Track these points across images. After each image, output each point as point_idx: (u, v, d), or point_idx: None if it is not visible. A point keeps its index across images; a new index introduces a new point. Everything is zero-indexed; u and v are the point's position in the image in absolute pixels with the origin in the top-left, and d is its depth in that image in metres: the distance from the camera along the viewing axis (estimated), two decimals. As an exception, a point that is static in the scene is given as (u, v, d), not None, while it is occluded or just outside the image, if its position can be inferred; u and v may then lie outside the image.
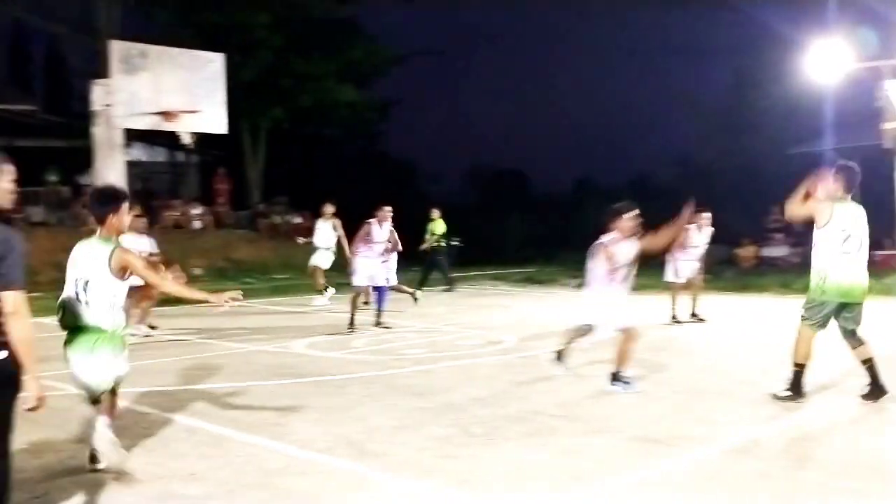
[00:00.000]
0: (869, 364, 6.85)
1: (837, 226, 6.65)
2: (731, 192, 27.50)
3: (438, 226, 18.25)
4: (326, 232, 15.31)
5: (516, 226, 30.96)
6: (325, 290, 15.46)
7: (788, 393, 6.89)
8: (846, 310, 6.80)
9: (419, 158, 41.12)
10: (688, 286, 12.98)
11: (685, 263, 12.95)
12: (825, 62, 17.63)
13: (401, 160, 38.56)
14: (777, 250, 22.44)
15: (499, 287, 19.98)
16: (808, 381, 7.03)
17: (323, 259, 15.46)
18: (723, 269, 20.45)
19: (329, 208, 15.44)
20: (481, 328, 12.11)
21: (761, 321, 13.11)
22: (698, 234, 13.00)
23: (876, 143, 21.34)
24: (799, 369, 6.91)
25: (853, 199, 6.73)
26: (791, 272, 19.51)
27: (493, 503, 4.70)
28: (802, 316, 6.94)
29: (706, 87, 31.29)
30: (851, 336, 6.89)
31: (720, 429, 6.13)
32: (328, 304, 15.03)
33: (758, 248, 22.47)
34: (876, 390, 6.80)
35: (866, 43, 18.25)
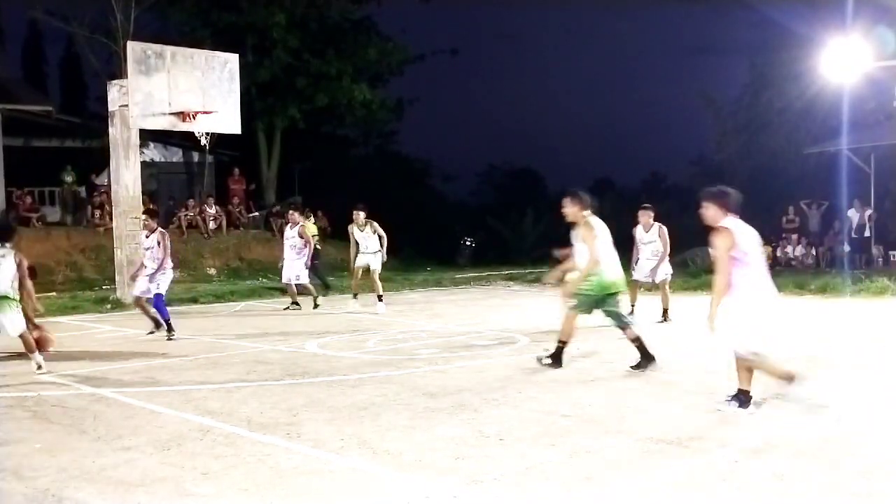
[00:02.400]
0: (638, 343, 8.43)
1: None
2: (747, 191, 27.31)
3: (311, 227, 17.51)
4: (367, 237, 14.59)
5: (531, 225, 30.92)
6: (355, 296, 14.87)
7: (549, 361, 8.49)
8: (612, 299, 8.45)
9: (434, 158, 41.07)
10: (654, 286, 13.05)
11: (644, 262, 12.95)
12: (842, 61, 17.50)
13: (416, 159, 38.56)
14: (792, 250, 22.32)
15: (512, 287, 19.96)
16: (826, 385, 6.98)
17: (375, 263, 14.68)
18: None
19: (361, 214, 14.64)
20: (494, 328, 12.10)
21: (774, 322, 13.02)
22: (644, 233, 12.92)
23: (892, 143, 21.21)
24: (562, 346, 8.55)
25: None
26: (806, 272, 19.43)
27: (506, 503, 4.70)
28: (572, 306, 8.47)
29: (723, 86, 31.18)
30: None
31: (734, 430, 6.09)
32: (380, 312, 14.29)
33: (773, 248, 22.34)
34: (644, 362, 8.35)
35: (883, 42, 18.13)
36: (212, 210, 23.88)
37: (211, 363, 9.45)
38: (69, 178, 23.38)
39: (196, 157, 27.86)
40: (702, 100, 30.55)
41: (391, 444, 5.78)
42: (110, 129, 15.99)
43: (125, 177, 15.92)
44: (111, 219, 16.90)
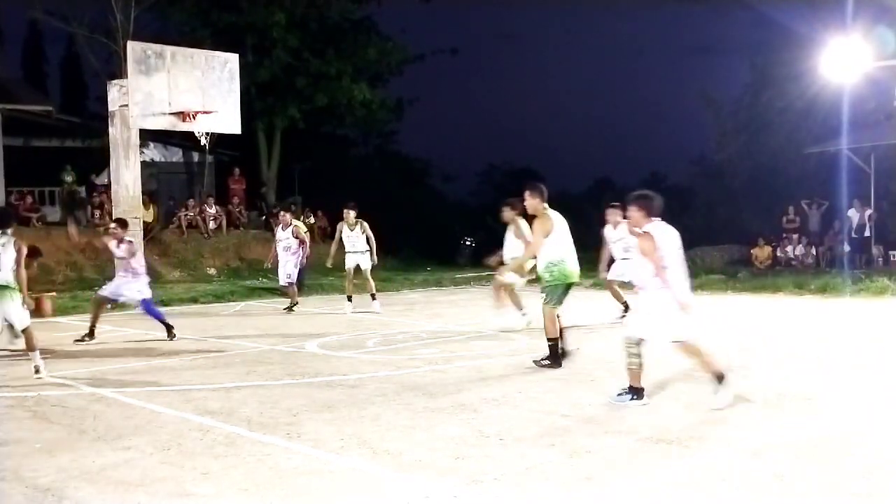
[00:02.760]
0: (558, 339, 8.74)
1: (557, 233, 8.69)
2: (747, 191, 27.35)
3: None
4: (356, 237, 14.55)
5: (531, 225, 30.90)
6: (349, 299, 14.74)
7: (547, 362, 8.62)
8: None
9: (434, 157, 41.06)
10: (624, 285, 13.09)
11: (617, 262, 12.97)
12: (842, 61, 17.50)
13: (415, 159, 38.54)
14: (793, 250, 22.32)
15: (513, 287, 19.93)
16: (826, 385, 6.98)
17: (365, 264, 14.63)
18: (737, 269, 20.37)
19: (352, 213, 14.60)
20: (494, 328, 12.09)
21: (774, 322, 13.04)
22: (613, 231, 12.93)
23: (892, 143, 21.21)
24: (553, 343, 8.69)
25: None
26: (806, 272, 19.43)
27: (507, 503, 4.69)
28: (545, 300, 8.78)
29: (723, 85, 31.10)
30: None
31: (734, 430, 6.09)
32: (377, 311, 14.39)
33: (773, 248, 22.35)
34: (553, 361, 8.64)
35: (883, 42, 18.12)
36: (212, 210, 23.88)
37: (211, 363, 9.45)
38: (69, 178, 23.37)
39: (196, 156, 27.86)
40: (702, 99, 30.53)
41: (391, 444, 5.78)
42: (110, 129, 15.98)
43: (125, 177, 15.91)
44: (111, 218, 16.89)
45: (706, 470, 5.18)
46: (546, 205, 8.84)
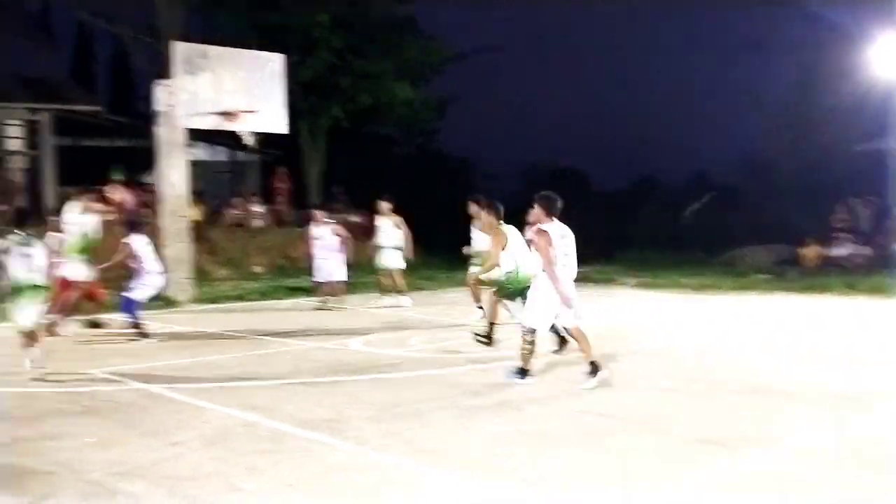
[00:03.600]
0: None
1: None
2: (795, 189, 26.93)
3: None
4: (388, 230, 14.83)
5: (574, 224, 30.72)
6: (401, 293, 14.85)
7: (485, 341, 9.44)
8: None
9: (476, 156, 40.97)
10: None
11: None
12: (892, 57, 17.15)
13: (457, 158, 38.53)
14: (842, 250, 21.89)
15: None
16: (878, 387, 6.86)
17: (392, 259, 14.86)
18: (785, 269, 20.06)
19: (386, 205, 14.96)
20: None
21: (822, 322, 12.84)
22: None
23: (946, 140, 20.71)
24: (491, 326, 9.58)
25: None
26: (856, 272, 19.06)
27: (548, 502, 4.69)
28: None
29: (770, 83, 30.50)
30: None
31: (780, 432, 6.02)
32: (404, 306, 14.59)
33: (822, 248, 21.96)
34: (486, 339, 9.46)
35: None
36: (257, 209, 24.11)
37: (256, 360, 9.56)
38: (117, 178, 23.75)
39: (241, 156, 28.15)
40: (748, 97, 30.12)
41: (434, 443, 5.81)
42: (157, 129, 16.23)
43: (172, 176, 16.15)
44: (158, 217, 17.16)
45: (752, 472, 5.13)
46: (501, 221, 9.54)
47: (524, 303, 8.80)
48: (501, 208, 9.60)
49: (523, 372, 7.75)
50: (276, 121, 16.10)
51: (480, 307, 11.91)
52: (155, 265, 11.63)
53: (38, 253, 8.69)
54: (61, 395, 7.63)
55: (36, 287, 8.68)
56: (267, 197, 25.98)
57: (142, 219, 13.15)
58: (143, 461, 5.47)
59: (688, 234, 26.80)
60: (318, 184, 28.87)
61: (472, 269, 12.30)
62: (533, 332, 7.74)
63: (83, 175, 23.70)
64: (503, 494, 4.77)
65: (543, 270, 7.55)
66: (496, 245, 9.37)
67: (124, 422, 6.59)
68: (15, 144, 25.00)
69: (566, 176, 41.48)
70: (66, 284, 11.25)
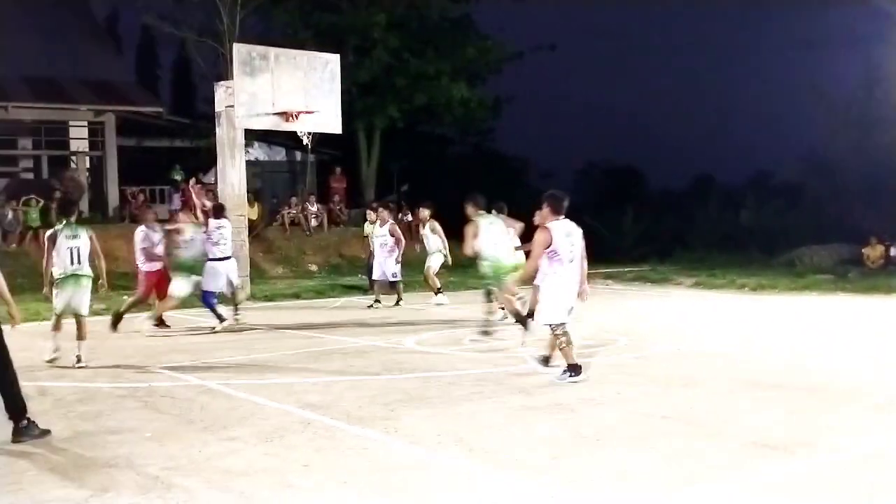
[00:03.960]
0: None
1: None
2: (859, 188, 26.27)
3: None
4: (428, 235, 15.42)
5: (630, 224, 30.42)
6: (439, 292, 15.21)
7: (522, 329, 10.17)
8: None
9: (532, 155, 40.80)
10: None
11: None
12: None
13: (513, 157, 38.41)
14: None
15: (611, 286, 19.69)
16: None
17: (432, 261, 15.39)
18: (847, 269, 19.58)
19: (425, 211, 15.58)
20: (593, 328, 11.96)
21: (884, 323, 12.49)
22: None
23: None
24: (516, 314, 10.56)
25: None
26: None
27: (602, 505, 4.64)
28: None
29: (833, 80, 29.78)
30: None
31: (842, 436, 5.87)
32: (443, 304, 14.83)
33: (887, 248, 21.38)
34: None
35: None
36: (313, 208, 24.36)
37: (312, 357, 9.65)
38: (178, 177, 24.23)
39: (298, 156, 28.48)
40: (812, 94, 29.46)
41: (487, 442, 5.79)
42: (217, 129, 16.48)
43: (231, 175, 16.39)
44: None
45: (812, 476, 5.02)
46: (481, 211, 10.84)
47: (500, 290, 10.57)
48: (483, 201, 10.96)
49: (573, 368, 7.80)
50: (333, 121, 16.22)
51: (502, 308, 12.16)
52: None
53: (83, 243, 9.04)
54: (121, 391, 7.79)
55: (87, 276, 9.13)
56: (323, 196, 26.23)
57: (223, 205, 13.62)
58: (198, 457, 5.56)
59: (747, 233, 26.35)
60: (373, 183, 29.04)
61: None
62: (559, 325, 7.87)
63: (145, 175, 24.28)
64: (555, 496, 4.73)
65: (549, 266, 7.86)
66: (469, 235, 10.55)
67: (181, 417, 6.70)
68: (81, 145, 25.67)
69: (622, 175, 41.10)
70: (152, 277, 11.59)
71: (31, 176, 25.62)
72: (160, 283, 11.77)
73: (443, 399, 7.19)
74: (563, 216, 7.98)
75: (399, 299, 15.17)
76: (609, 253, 28.58)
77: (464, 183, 28.94)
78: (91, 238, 9.21)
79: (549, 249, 7.77)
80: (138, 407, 7.14)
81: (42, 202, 20.16)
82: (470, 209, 10.74)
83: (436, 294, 15.18)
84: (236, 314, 12.44)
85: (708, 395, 7.27)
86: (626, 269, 22.26)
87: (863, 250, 21.20)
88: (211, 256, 12.00)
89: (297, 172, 29.25)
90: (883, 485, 4.82)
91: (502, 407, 6.86)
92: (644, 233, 29.78)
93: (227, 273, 12.24)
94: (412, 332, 11.48)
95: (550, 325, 7.92)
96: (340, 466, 5.31)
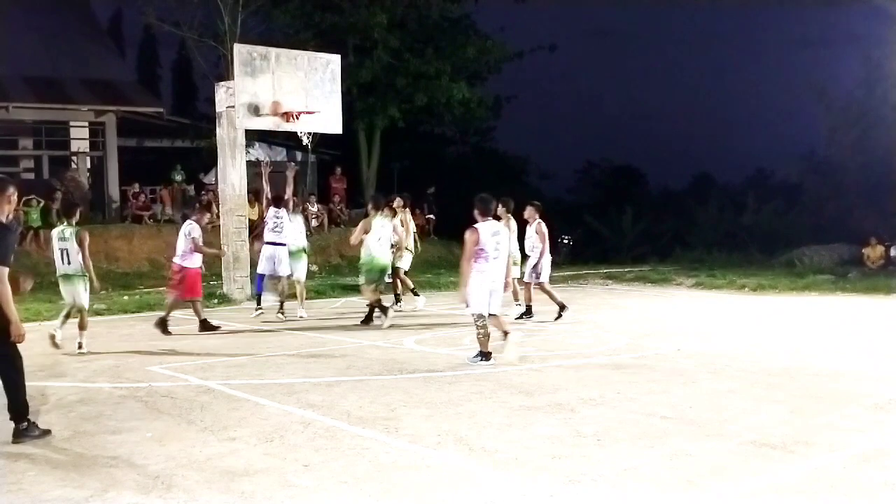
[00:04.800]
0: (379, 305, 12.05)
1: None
2: (859, 188, 26.30)
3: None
4: (397, 227, 14.16)
5: (630, 224, 30.45)
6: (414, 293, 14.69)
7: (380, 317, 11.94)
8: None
9: (531, 155, 40.84)
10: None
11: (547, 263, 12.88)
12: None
13: (513, 157, 38.44)
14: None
15: (610, 286, 19.72)
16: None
17: (405, 262, 14.57)
18: (847, 269, 19.60)
19: (399, 202, 14.39)
20: (592, 327, 11.99)
21: (885, 323, 12.51)
22: (528, 228, 12.92)
23: None
24: (373, 305, 12.04)
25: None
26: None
27: (602, 504, 4.65)
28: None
29: (833, 79, 29.81)
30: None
31: (842, 435, 5.88)
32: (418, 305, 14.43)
33: (887, 248, 21.40)
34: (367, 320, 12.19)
35: None
36: (314, 208, 24.36)
37: (312, 358, 9.66)
38: (178, 177, 24.25)
39: (299, 156, 28.50)
40: (812, 93, 29.47)
41: (488, 442, 5.80)
42: (217, 130, 16.50)
43: (231, 176, 16.41)
44: (218, 216, 17.45)
45: (812, 476, 5.02)
46: (378, 213, 11.97)
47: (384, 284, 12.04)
48: (382, 201, 12.37)
49: (484, 354, 8.81)
50: (333, 121, 16.24)
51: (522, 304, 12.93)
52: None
53: (71, 245, 9.56)
54: (121, 391, 7.80)
55: (78, 276, 9.65)
56: (323, 196, 26.23)
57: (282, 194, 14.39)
58: (199, 456, 5.57)
59: (747, 233, 26.37)
60: (373, 183, 29.06)
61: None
62: (480, 317, 8.70)
63: (146, 174, 24.28)
64: (555, 495, 4.74)
65: (468, 263, 8.62)
66: (358, 231, 11.91)
67: (182, 417, 6.71)
68: (81, 145, 25.69)
69: (622, 174, 41.14)
70: (185, 275, 11.62)
71: (31, 176, 25.64)
72: (194, 282, 11.73)
73: (442, 399, 7.20)
74: (491, 217, 8.83)
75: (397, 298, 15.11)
76: (609, 253, 28.66)
77: (462, 182, 29.03)
78: (82, 241, 9.60)
79: (476, 247, 8.54)
80: (139, 407, 7.15)
81: (43, 202, 20.18)
82: (367, 207, 11.92)
83: (415, 295, 14.66)
84: (280, 310, 13.24)
85: (708, 395, 7.28)
86: (626, 270, 22.30)
87: (863, 250, 21.23)
88: (266, 240, 13.20)
89: (297, 172, 29.25)
90: (883, 484, 4.83)
91: (502, 407, 6.87)
92: (644, 233, 29.83)
93: (275, 257, 13.22)
94: (412, 332, 11.49)
95: (473, 315, 8.74)
96: (340, 466, 5.32)
